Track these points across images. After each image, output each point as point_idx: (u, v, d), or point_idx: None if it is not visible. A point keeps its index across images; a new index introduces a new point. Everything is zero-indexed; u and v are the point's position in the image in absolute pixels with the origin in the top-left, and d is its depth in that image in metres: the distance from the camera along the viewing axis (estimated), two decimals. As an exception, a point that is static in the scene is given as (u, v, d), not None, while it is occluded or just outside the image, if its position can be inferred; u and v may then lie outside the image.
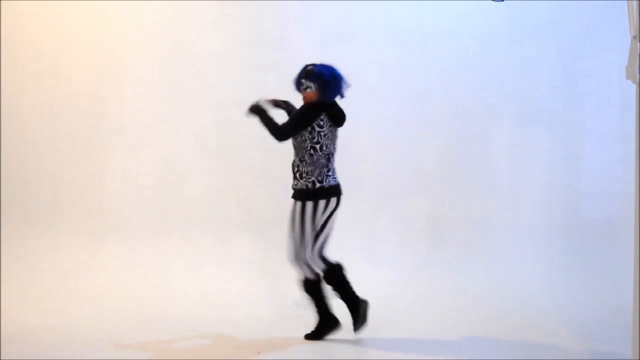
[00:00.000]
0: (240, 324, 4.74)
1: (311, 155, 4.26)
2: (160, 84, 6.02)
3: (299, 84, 4.35)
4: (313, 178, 4.26)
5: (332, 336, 4.44)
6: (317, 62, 4.36)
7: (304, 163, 4.28)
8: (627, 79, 3.49)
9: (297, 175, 4.31)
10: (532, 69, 5.89)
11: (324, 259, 4.42)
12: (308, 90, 4.28)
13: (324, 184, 4.27)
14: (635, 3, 3.45)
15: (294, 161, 4.35)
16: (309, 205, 4.27)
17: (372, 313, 4.72)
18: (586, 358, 4.10)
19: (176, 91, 6.02)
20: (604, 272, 5.55)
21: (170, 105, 6.02)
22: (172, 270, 5.75)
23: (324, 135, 4.26)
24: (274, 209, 5.86)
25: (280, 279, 5.57)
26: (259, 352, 4.14)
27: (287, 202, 5.77)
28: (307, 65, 4.34)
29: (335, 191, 4.33)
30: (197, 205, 5.96)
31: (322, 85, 4.26)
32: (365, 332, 4.55)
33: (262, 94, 5.85)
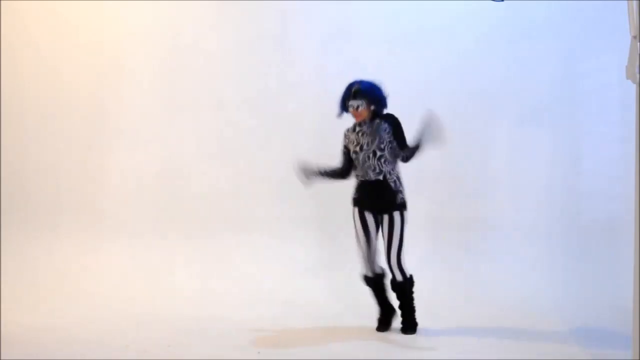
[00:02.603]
0: (240, 324, 4.74)
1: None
2: (160, 84, 6.03)
3: (344, 106, 4.49)
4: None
5: (333, 336, 4.45)
6: (360, 78, 4.53)
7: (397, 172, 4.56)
8: (627, 79, 3.49)
9: (399, 184, 4.52)
10: (532, 69, 5.89)
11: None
12: (360, 108, 4.44)
13: None
14: (635, 3, 3.45)
15: (390, 172, 4.47)
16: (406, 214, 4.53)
17: (371, 313, 4.73)
18: (586, 358, 4.09)
19: (176, 91, 6.02)
20: (604, 272, 5.55)
21: (171, 105, 6.02)
22: (172, 270, 5.76)
23: None
24: (274, 208, 5.87)
25: (281, 278, 5.59)
26: (259, 352, 4.15)
27: (287, 202, 5.80)
28: (351, 85, 4.49)
29: None
30: (197, 205, 5.96)
31: (375, 99, 4.47)
32: (365, 331, 4.56)
33: (262, 94, 5.90)
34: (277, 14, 5.97)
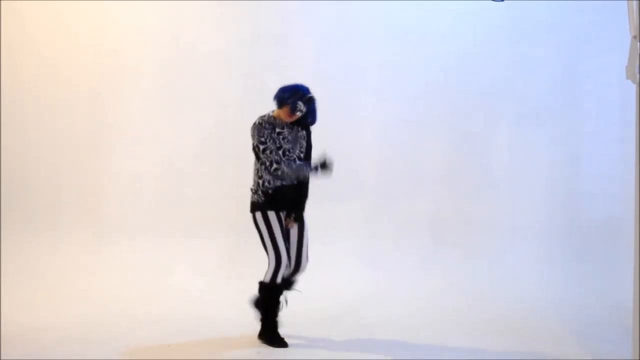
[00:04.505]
0: (240, 324, 4.74)
1: None
2: (160, 84, 6.02)
3: (287, 101, 4.31)
4: None
5: (332, 336, 4.46)
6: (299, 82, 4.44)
7: None
8: (627, 79, 3.49)
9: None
10: (532, 69, 5.90)
11: None
12: (299, 114, 4.32)
13: None
14: (635, 3, 3.45)
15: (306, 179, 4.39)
16: None
17: (372, 313, 4.73)
18: (586, 358, 4.09)
19: (176, 91, 6.02)
20: (604, 272, 5.56)
21: (170, 105, 6.02)
22: (172, 270, 5.75)
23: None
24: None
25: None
26: (259, 352, 4.15)
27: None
28: (304, 90, 4.37)
29: None
30: (197, 205, 5.96)
31: (313, 112, 4.39)
32: (365, 332, 4.55)
33: (262, 94, 5.90)
34: (277, 14, 5.97)
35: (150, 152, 6.00)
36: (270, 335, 4.29)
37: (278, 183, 4.30)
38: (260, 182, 4.32)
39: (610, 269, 5.53)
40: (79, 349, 4.15)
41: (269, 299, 4.30)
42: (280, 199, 4.31)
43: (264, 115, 4.37)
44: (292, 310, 4.82)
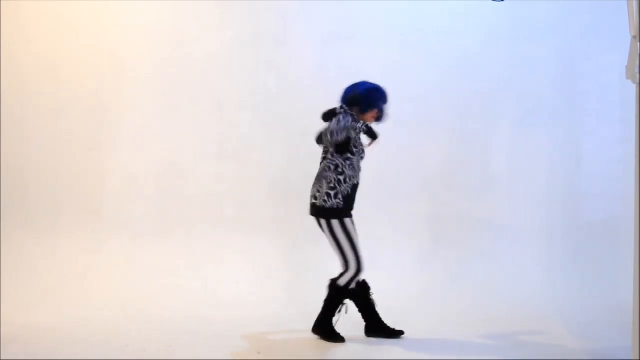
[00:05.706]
0: (240, 324, 4.74)
1: None
2: (161, 84, 6.02)
3: (383, 112, 4.43)
4: None
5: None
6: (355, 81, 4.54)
7: None
8: (627, 79, 3.49)
9: None
10: (532, 68, 5.90)
11: None
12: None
13: None
14: (635, 3, 3.45)
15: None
16: None
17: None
18: (586, 358, 4.10)
19: (176, 91, 6.01)
20: (604, 272, 5.56)
21: (171, 105, 6.02)
22: (173, 270, 5.75)
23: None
24: (275, 209, 5.87)
25: (281, 278, 5.59)
26: (259, 352, 4.15)
27: (287, 202, 5.80)
28: (381, 88, 4.42)
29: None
30: (198, 205, 5.96)
31: None
32: (362, 333, 4.56)
33: (262, 94, 5.91)
34: (277, 14, 5.97)
35: (150, 151, 6.00)
36: (328, 330, 4.36)
37: (354, 181, 4.33)
38: (342, 181, 4.27)
39: (610, 269, 5.53)
40: (79, 349, 4.15)
41: (337, 299, 4.37)
42: (352, 201, 4.35)
43: (347, 109, 4.33)
44: (292, 311, 4.83)
